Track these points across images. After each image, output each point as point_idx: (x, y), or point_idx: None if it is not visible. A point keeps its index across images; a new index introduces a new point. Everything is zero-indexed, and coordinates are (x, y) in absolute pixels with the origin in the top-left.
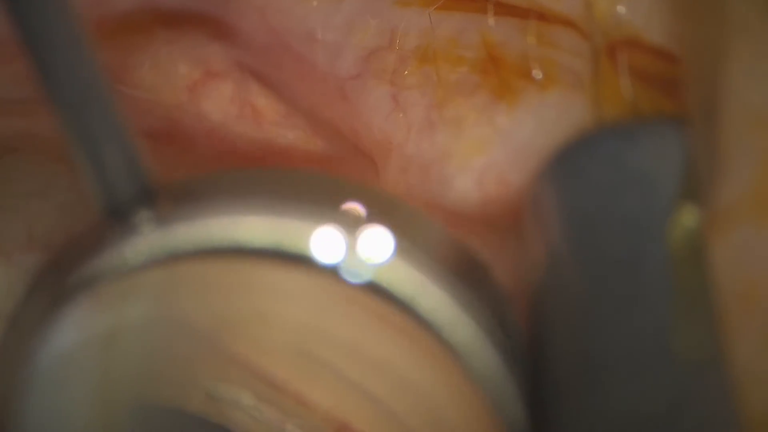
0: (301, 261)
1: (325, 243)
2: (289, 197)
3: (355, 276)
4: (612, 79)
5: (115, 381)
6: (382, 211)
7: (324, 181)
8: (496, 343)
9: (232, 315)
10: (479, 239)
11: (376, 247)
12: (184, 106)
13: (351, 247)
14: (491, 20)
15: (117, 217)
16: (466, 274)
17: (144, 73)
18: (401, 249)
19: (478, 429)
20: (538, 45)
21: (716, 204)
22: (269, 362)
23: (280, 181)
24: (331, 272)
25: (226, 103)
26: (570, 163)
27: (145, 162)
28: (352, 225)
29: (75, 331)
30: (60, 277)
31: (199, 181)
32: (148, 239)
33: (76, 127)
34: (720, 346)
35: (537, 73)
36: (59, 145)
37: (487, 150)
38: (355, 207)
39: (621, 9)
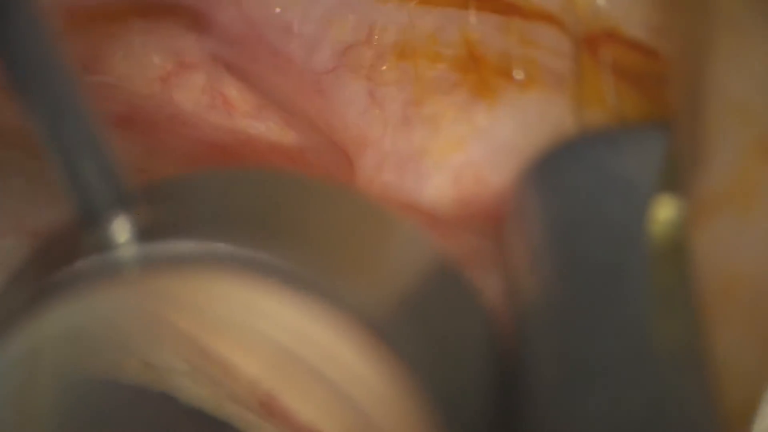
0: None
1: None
2: (267, 214)
3: None
4: (593, 79)
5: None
6: (361, 234)
7: (300, 187)
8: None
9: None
10: (457, 242)
11: None
12: (156, 96)
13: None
14: (472, 17)
15: (92, 223)
16: (426, 299)
17: (116, 62)
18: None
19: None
20: (519, 44)
21: (698, 196)
22: (202, 330)
23: (256, 189)
24: None
25: (197, 94)
26: (553, 169)
27: (121, 167)
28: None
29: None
30: (31, 281)
31: (176, 186)
32: (122, 250)
33: (52, 132)
34: (701, 342)
35: (518, 73)
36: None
37: (465, 148)
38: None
39: (601, 0)
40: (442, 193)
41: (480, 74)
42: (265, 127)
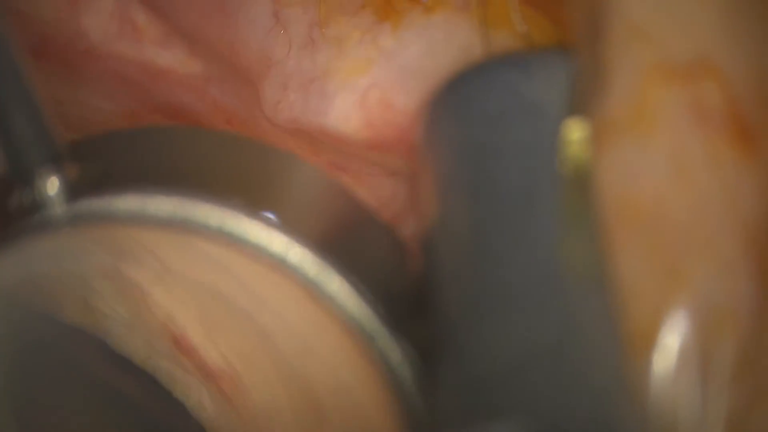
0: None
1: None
2: (190, 167)
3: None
4: (499, 3)
5: None
6: (276, 176)
7: (222, 141)
8: (361, 290)
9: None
10: (364, 164)
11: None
12: (63, 22)
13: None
14: None
15: (24, 181)
16: (339, 228)
17: None
18: (296, 229)
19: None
20: None
21: (599, 121)
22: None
23: (184, 144)
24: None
25: (105, 20)
26: (461, 92)
27: (53, 126)
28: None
29: None
30: None
31: (104, 142)
32: (54, 207)
33: None
34: (605, 264)
35: None
36: None
37: (370, 70)
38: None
39: None
40: (347, 115)
41: None
42: (172, 56)
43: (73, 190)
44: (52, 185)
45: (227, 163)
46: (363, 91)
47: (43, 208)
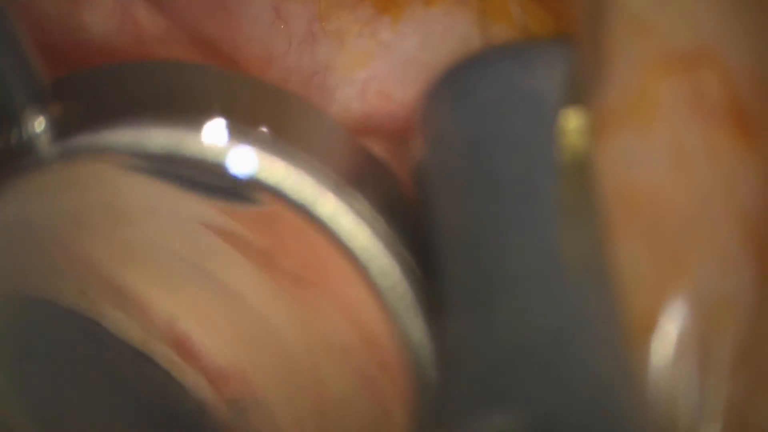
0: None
1: (216, 144)
2: (178, 98)
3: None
4: None
5: None
6: (272, 108)
7: (215, 75)
8: (394, 248)
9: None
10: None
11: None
12: (64, 18)
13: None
14: None
15: (9, 122)
16: (359, 173)
17: None
18: (290, 151)
19: (374, 334)
20: None
21: (599, 111)
22: (126, 266)
23: (169, 77)
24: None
25: (106, 15)
26: (459, 84)
27: (36, 64)
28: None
29: None
30: None
31: (90, 78)
32: (42, 148)
33: None
34: (605, 256)
35: None
36: None
37: (370, 63)
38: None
39: None
40: (347, 107)
41: None
42: (173, 52)
43: (60, 128)
44: (39, 124)
45: (227, 99)
46: (363, 83)
47: (30, 147)
